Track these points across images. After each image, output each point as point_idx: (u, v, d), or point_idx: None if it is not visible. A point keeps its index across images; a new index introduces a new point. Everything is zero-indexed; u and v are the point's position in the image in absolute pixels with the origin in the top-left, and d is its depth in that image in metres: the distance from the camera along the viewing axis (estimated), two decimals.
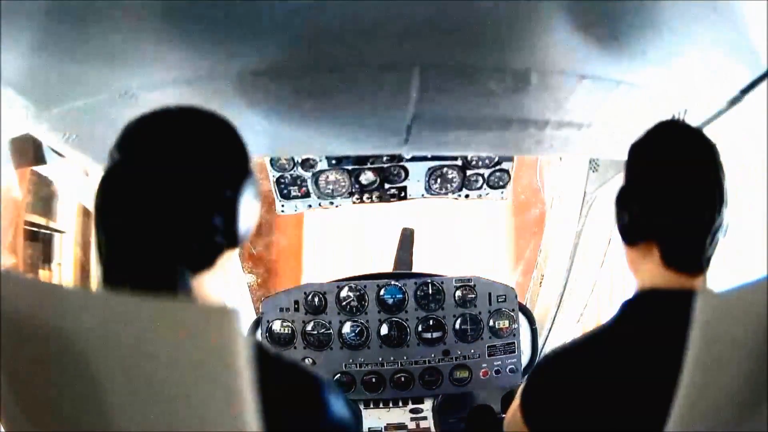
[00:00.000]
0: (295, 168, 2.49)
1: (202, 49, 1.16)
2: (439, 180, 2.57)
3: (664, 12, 1.07)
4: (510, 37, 1.13)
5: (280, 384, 0.98)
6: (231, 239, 0.95)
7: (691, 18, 1.09)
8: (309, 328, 2.55)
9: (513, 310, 2.61)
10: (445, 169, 2.54)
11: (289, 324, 2.55)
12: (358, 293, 2.59)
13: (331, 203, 2.58)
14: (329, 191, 2.54)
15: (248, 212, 0.96)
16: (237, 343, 0.60)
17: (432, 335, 2.58)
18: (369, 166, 2.48)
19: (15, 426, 0.77)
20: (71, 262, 3.17)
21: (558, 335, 2.75)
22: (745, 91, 1.30)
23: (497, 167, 2.54)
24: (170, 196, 0.89)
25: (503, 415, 2.02)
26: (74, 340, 0.66)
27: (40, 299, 0.69)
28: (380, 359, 2.55)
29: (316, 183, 2.52)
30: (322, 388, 1.01)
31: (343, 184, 2.53)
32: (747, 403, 0.74)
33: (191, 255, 0.92)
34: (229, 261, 1.00)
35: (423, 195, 2.60)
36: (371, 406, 2.60)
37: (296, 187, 2.54)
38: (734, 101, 1.34)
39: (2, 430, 0.79)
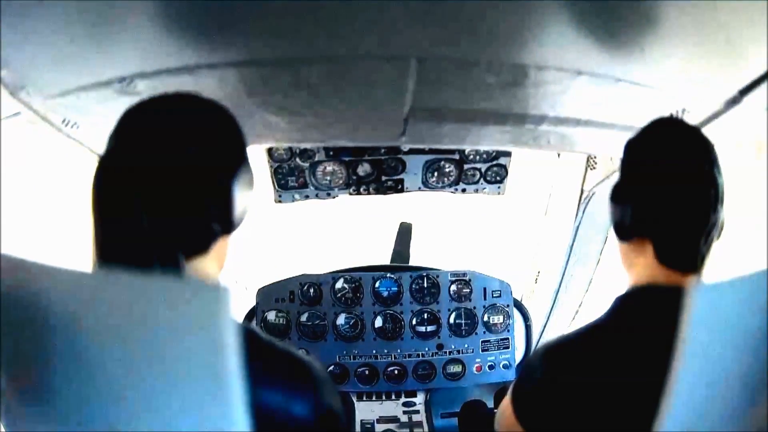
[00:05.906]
0: (293, 159, 2.48)
1: (200, 38, 1.16)
2: (436, 173, 2.56)
3: (662, 10, 1.07)
4: (508, 31, 1.13)
5: (273, 369, 0.99)
6: (226, 225, 0.96)
7: (690, 17, 1.08)
8: (304, 318, 2.55)
9: (508, 306, 2.62)
10: (442, 163, 2.53)
11: (284, 314, 2.55)
12: (353, 285, 2.59)
13: (328, 194, 2.58)
14: (326, 182, 2.53)
15: (243, 199, 0.97)
16: (226, 320, 0.61)
17: (426, 329, 2.58)
18: (366, 158, 2.47)
19: (12, 411, 0.77)
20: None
21: (553, 331, 2.75)
22: (744, 92, 1.30)
23: (494, 162, 2.54)
24: (166, 182, 0.90)
25: (496, 410, 2.03)
26: (67, 319, 0.66)
27: (32, 279, 0.69)
28: (374, 352, 2.56)
29: (313, 174, 2.52)
30: (314, 374, 1.03)
31: (340, 175, 2.52)
32: (739, 398, 0.74)
33: (186, 240, 0.93)
34: (224, 247, 1.01)
35: (420, 188, 2.60)
36: (364, 398, 2.60)
37: (294, 178, 2.53)
38: (733, 102, 1.34)
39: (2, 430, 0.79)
